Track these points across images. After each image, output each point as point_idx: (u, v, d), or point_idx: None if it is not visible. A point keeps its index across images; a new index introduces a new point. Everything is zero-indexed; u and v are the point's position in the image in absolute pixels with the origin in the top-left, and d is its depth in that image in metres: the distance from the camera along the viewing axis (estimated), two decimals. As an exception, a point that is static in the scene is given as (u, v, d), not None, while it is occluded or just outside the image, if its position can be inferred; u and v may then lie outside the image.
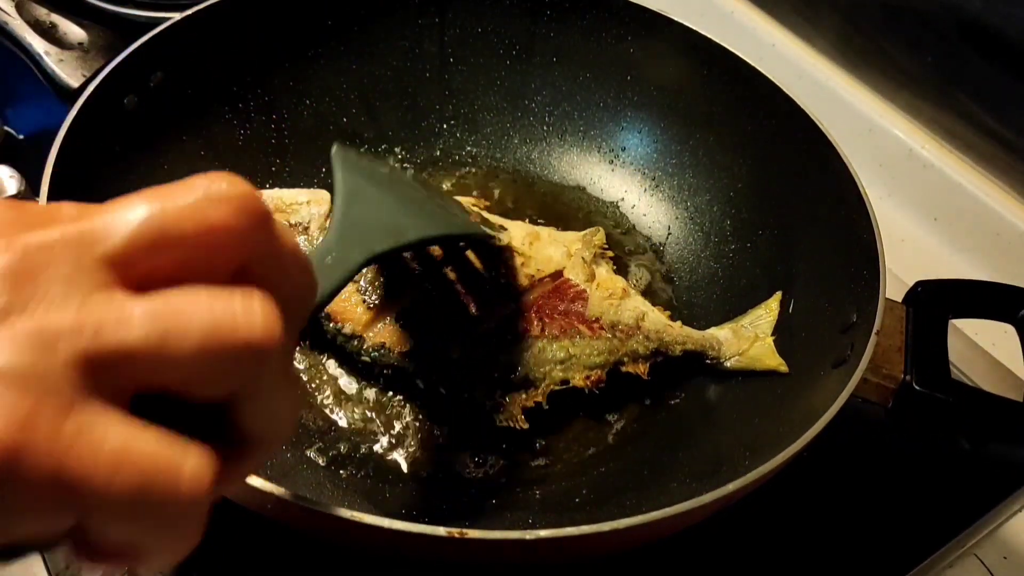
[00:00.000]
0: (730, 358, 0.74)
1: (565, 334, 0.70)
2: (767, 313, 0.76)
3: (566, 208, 0.89)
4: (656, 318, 0.73)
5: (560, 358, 0.69)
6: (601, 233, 0.79)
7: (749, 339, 0.74)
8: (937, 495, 0.75)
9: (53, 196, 0.59)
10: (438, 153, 0.91)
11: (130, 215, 0.29)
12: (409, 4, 0.86)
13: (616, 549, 0.54)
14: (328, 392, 0.71)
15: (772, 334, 0.74)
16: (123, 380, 0.27)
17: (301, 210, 0.74)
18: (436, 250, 0.72)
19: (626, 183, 0.90)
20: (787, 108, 0.78)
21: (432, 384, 0.69)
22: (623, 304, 0.72)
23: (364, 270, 0.68)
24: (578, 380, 0.69)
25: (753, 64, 0.80)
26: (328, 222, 0.54)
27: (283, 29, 0.82)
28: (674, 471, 0.67)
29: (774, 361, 0.73)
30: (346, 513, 0.46)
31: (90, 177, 0.65)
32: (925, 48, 0.92)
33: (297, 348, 0.73)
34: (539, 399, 0.69)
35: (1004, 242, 0.91)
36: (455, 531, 0.46)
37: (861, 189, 0.70)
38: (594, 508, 0.65)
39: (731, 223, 0.83)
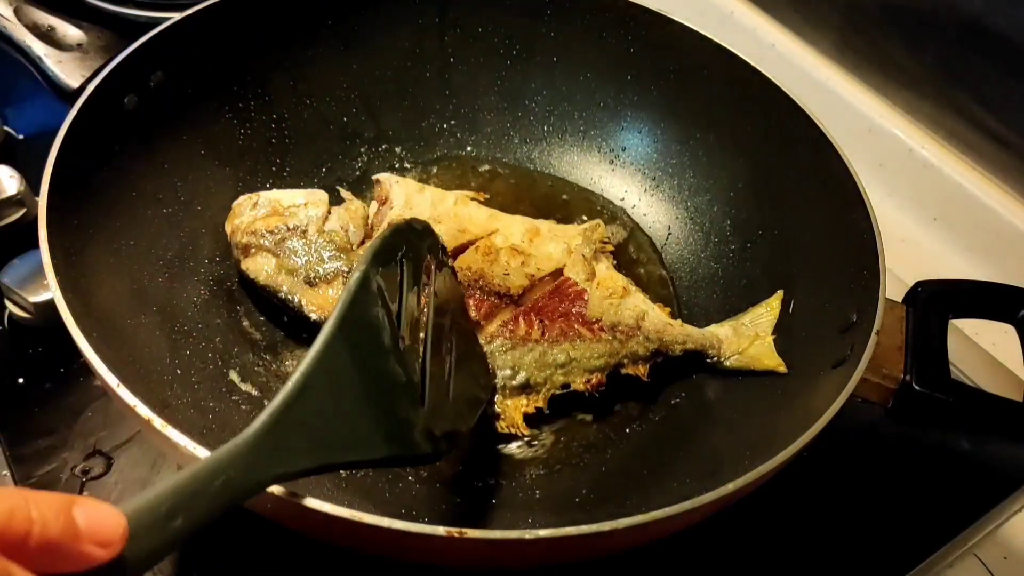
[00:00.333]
0: (730, 357, 0.74)
1: (566, 337, 0.70)
2: (768, 312, 0.76)
3: (566, 208, 0.89)
4: (656, 316, 0.73)
5: (561, 362, 0.69)
6: (601, 227, 0.79)
7: (749, 337, 0.74)
8: (937, 495, 0.75)
9: (53, 196, 0.59)
10: (439, 153, 0.91)
11: None
12: (410, 4, 0.86)
13: (616, 549, 0.54)
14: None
15: (772, 333, 0.74)
16: None
17: (299, 212, 0.73)
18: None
19: (626, 183, 0.90)
20: (787, 108, 0.78)
21: None
22: (624, 303, 0.72)
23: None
24: (578, 384, 0.69)
25: (753, 64, 0.80)
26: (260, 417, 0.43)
27: (283, 29, 0.82)
28: (674, 471, 0.67)
29: (773, 361, 0.73)
30: (346, 513, 0.46)
31: (90, 177, 0.65)
32: (925, 48, 0.92)
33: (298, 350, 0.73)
34: (540, 404, 0.68)
35: (1004, 242, 0.90)
36: (454, 531, 0.46)
37: (861, 188, 0.70)
38: (594, 508, 0.65)
39: (731, 223, 0.83)
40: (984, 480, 0.76)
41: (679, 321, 0.75)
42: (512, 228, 0.76)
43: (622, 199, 0.90)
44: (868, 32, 0.98)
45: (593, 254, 0.76)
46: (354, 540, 0.52)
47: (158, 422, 0.48)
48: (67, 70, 0.75)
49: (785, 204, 0.79)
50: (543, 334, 0.69)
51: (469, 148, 0.91)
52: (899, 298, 0.69)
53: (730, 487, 0.50)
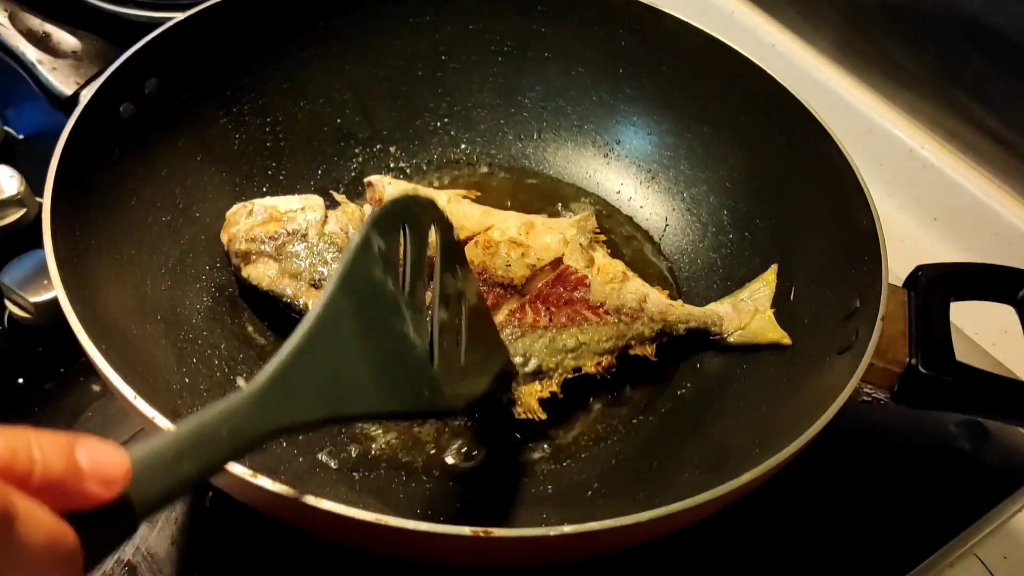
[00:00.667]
0: (732, 333, 0.75)
1: (573, 322, 0.71)
2: (765, 286, 0.77)
3: (562, 202, 0.89)
4: (657, 298, 0.74)
5: (571, 346, 0.70)
6: (593, 217, 0.80)
7: (749, 312, 0.75)
8: (937, 495, 0.76)
9: (56, 205, 0.59)
10: (434, 152, 0.91)
11: None
12: (402, 3, 0.86)
13: (633, 543, 0.54)
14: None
15: (771, 307, 0.75)
16: None
17: (297, 217, 0.73)
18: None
19: (622, 176, 0.90)
20: (781, 97, 0.78)
21: None
22: (624, 287, 0.73)
23: None
24: (590, 367, 0.70)
25: (745, 54, 0.80)
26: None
27: (275, 31, 0.82)
28: (683, 463, 0.67)
29: (776, 333, 0.74)
30: (371, 517, 0.46)
31: (90, 187, 0.65)
32: (925, 48, 0.93)
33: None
34: (553, 389, 0.69)
35: (1004, 242, 0.91)
36: (480, 530, 0.46)
37: (858, 175, 0.70)
38: (606, 502, 0.65)
39: (728, 213, 0.84)
40: (984, 480, 0.77)
41: (680, 301, 0.77)
42: (507, 223, 0.76)
43: (618, 192, 0.90)
44: (868, 32, 0.99)
45: (589, 243, 0.77)
46: (373, 542, 0.52)
47: (177, 432, 0.48)
48: (61, 77, 0.74)
49: (782, 193, 0.80)
50: (551, 320, 0.70)
51: (464, 146, 0.91)
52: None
53: (745, 478, 0.51)
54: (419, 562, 0.56)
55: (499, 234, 0.75)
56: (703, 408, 0.72)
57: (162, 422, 0.49)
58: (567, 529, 0.46)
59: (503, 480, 0.67)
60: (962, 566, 0.73)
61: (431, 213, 0.57)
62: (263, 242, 0.71)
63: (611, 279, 0.73)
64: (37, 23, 0.77)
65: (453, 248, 0.59)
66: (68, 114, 0.64)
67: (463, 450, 0.69)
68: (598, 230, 0.80)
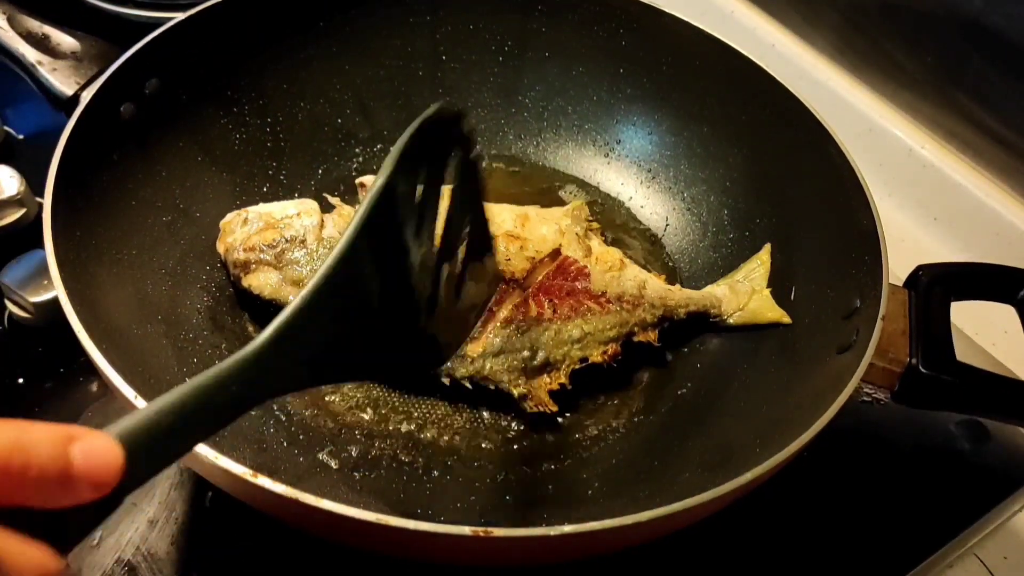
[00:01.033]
0: (732, 314, 0.76)
1: (576, 313, 0.71)
2: (759, 266, 0.78)
3: (563, 203, 0.89)
4: (656, 284, 0.75)
5: (576, 337, 0.70)
6: (585, 206, 0.80)
7: (747, 293, 0.76)
8: (937, 495, 0.76)
9: (56, 206, 0.59)
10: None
11: None
12: (401, 3, 0.86)
13: (635, 542, 0.54)
14: (338, 396, 0.71)
15: (768, 286, 0.76)
16: None
17: (293, 223, 0.73)
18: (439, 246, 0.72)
19: (622, 176, 0.90)
20: (781, 97, 0.78)
21: (456, 381, 0.69)
22: (623, 275, 0.74)
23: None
24: (596, 356, 0.71)
25: (744, 53, 0.80)
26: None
27: (275, 31, 0.82)
28: (684, 462, 0.67)
29: (775, 313, 0.75)
30: (371, 516, 0.46)
31: (91, 189, 0.65)
32: (925, 48, 0.93)
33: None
34: (562, 380, 0.70)
35: (1004, 242, 0.91)
36: (480, 530, 0.46)
37: (858, 174, 0.70)
38: (607, 501, 0.65)
39: (728, 212, 0.84)
40: (984, 480, 0.77)
41: (677, 286, 0.77)
42: (502, 216, 0.77)
43: (619, 192, 0.90)
44: (868, 32, 0.99)
45: (584, 232, 0.77)
46: (373, 542, 0.52)
47: (177, 432, 0.48)
48: (61, 78, 0.74)
49: (782, 192, 0.80)
50: (555, 312, 0.71)
51: (464, 145, 0.91)
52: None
53: (748, 476, 0.51)
54: (419, 562, 0.56)
55: (495, 228, 0.75)
56: (704, 408, 0.72)
57: (162, 422, 0.48)
58: (567, 529, 0.46)
59: (503, 480, 0.67)
60: (962, 566, 0.74)
61: (455, 128, 0.53)
62: (262, 251, 0.71)
63: (610, 267, 0.74)
64: (36, 25, 0.77)
65: (470, 176, 0.56)
66: (68, 114, 0.65)
67: (463, 450, 0.69)
68: (591, 218, 0.81)
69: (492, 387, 0.69)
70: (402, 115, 0.90)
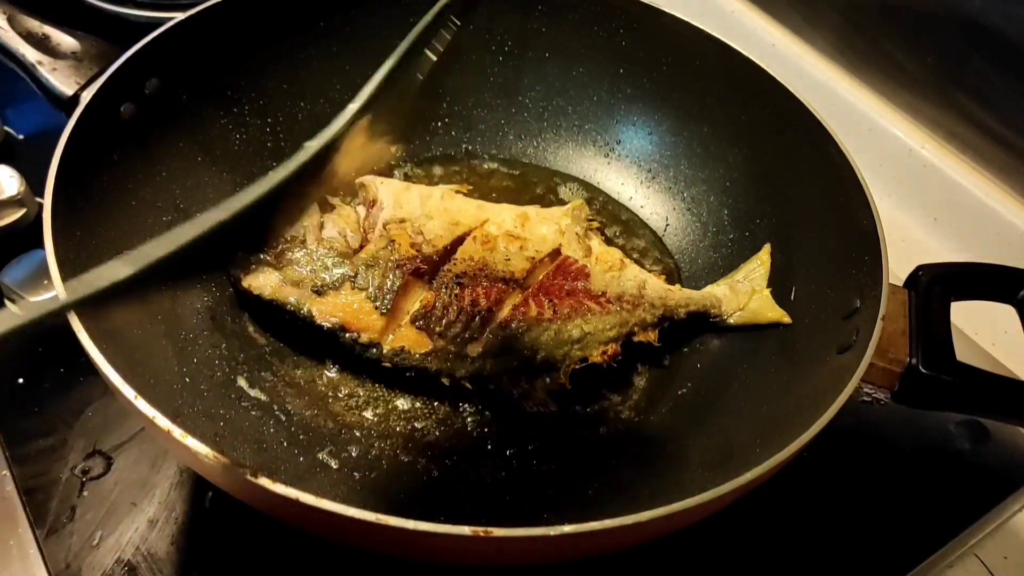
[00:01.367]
0: (732, 314, 0.76)
1: (576, 313, 0.71)
2: (760, 266, 0.78)
3: (563, 203, 0.89)
4: (656, 284, 0.75)
5: (576, 337, 0.71)
6: (585, 206, 0.80)
7: (747, 293, 0.76)
8: (937, 495, 0.76)
9: (56, 206, 0.59)
10: (434, 151, 0.91)
11: None
12: (401, 3, 0.86)
13: (635, 542, 0.54)
14: (339, 396, 0.71)
15: (768, 286, 0.76)
16: None
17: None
18: (440, 245, 0.72)
19: (622, 176, 0.90)
20: (781, 97, 0.78)
21: (457, 381, 0.69)
22: (623, 274, 0.74)
23: (372, 277, 0.69)
24: (596, 356, 0.71)
25: (744, 53, 0.80)
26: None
27: (275, 32, 0.82)
28: (684, 462, 0.67)
29: (775, 313, 0.75)
30: (371, 516, 0.46)
31: (91, 189, 0.65)
32: (925, 48, 0.93)
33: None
34: (562, 380, 0.70)
35: (1004, 242, 0.91)
36: (480, 530, 0.46)
37: (858, 174, 0.70)
38: (608, 501, 0.65)
39: (728, 212, 0.84)
40: (984, 480, 0.77)
41: (678, 286, 0.78)
42: (502, 216, 0.77)
43: (619, 192, 0.90)
44: (868, 32, 0.99)
45: (584, 232, 0.77)
46: (373, 542, 0.52)
47: (178, 432, 0.48)
48: (61, 77, 0.74)
49: (782, 192, 0.80)
50: (555, 312, 0.71)
51: (464, 145, 0.92)
52: (898, 296, 0.70)
53: (748, 476, 0.51)
54: (419, 562, 0.56)
55: (495, 228, 0.75)
56: (704, 408, 0.72)
57: (163, 422, 0.49)
58: (567, 529, 0.46)
59: (504, 480, 0.67)
60: (962, 566, 0.74)
61: None
62: (261, 251, 0.71)
63: (610, 267, 0.75)
64: (36, 25, 0.77)
65: None
66: (68, 114, 0.64)
67: (463, 450, 0.69)
68: (591, 217, 0.81)
69: (492, 387, 0.69)
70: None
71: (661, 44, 0.86)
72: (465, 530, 0.46)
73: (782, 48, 1.07)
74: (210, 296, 0.73)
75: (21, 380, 0.73)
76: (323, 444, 0.67)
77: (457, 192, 0.80)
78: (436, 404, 0.71)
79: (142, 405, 0.49)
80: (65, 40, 0.77)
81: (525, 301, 0.71)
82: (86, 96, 0.66)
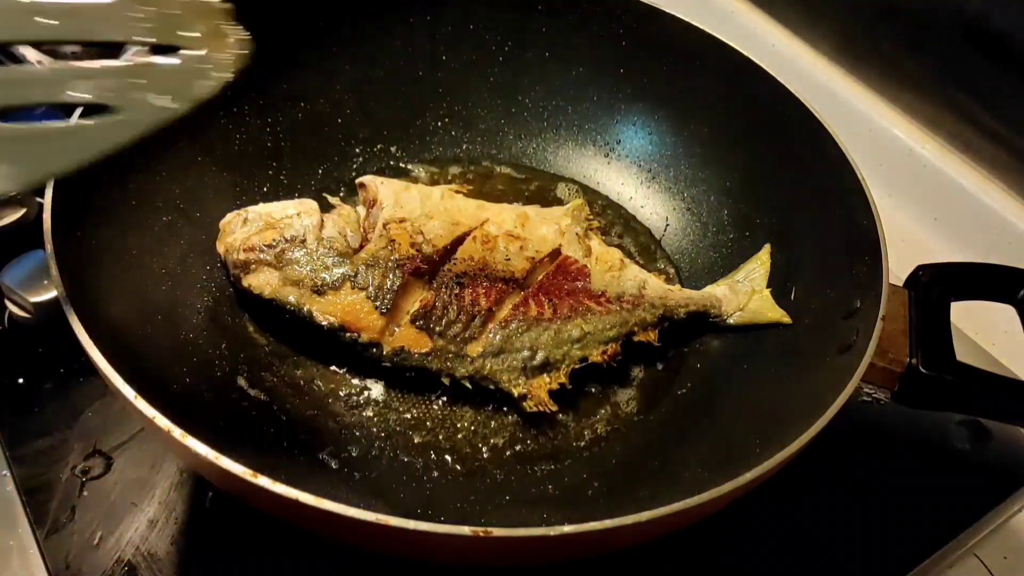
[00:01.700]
0: (732, 314, 0.77)
1: (576, 313, 0.71)
2: (760, 266, 0.78)
3: (563, 203, 0.89)
4: (656, 284, 0.76)
5: (576, 337, 0.71)
6: (585, 206, 0.80)
7: (747, 294, 0.77)
8: (937, 495, 0.76)
9: (56, 205, 0.59)
10: (434, 151, 0.91)
11: None
12: (400, 3, 0.86)
13: (635, 541, 0.54)
14: (339, 396, 0.71)
15: (768, 287, 0.77)
16: None
17: (294, 223, 0.73)
18: (440, 245, 0.72)
19: (622, 176, 0.90)
20: (781, 97, 0.78)
21: (457, 381, 0.69)
22: (623, 274, 0.75)
23: (372, 277, 0.69)
24: (595, 356, 0.71)
25: (745, 53, 0.80)
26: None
27: (274, 32, 0.81)
28: (684, 462, 0.67)
29: (775, 313, 0.75)
30: (371, 516, 0.46)
31: (91, 189, 0.65)
32: (925, 48, 0.93)
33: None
34: (562, 380, 0.70)
35: (1004, 242, 0.92)
36: (480, 530, 0.46)
37: (858, 174, 0.70)
38: (608, 501, 0.65)
39: (728, 212, 0.84)
40: (984, 480, 0.77)
41: (678, 286, 0.78)
42: (502, 216, 0.77)
43: (619, 192, 0.90)
44: (868, 32, 0.99)
45: (584, 232, 0.77)
46: (373, 542, 0.52)
47: (178, 432, 0.48)
48: (61, 79, 0.74)
49: (782, 193, 0.80)
50: (555, 312, 0.71)
51: (464, 145, 0.92)
52: (898, 296, 0.70)
53: (748, 476, 0.51)
54: (419, 562, 0.56)
55: (495, 228, 0.75)
56: (704, 408, 0.72)
57: (163, 422, 0.49)
58: (567, 529, 0.46)
59: (503, 480, 0.67)
60: (962, 566, 0.74)
61: None
62: (261, 251, 0.71)
63: (610, 267, 0.75)
64: (37, 24, 0.77)
65: None
66: (68, 115, 0.64)
67: (463, 450, 0.69)
68: (591, 217, 0.81)
69: (492, 387, 0.69)
70: (402, 115, 0.90)
71: (661, 44, 0.86)
72: (465, 530, 0.46)
73: (782, 48, 1.07)
74: (210, 296, 0.73)
75: (21, 380, 0.73)
76: (323, 444, 0.67)
77: (457, 192, 0.80)
78: (436, 404, 0.71)
79: (142, 405, 0.49)
80: (65, 40, 0.77)
81: (525, 301, 0.71)
82: (86, 96, 0.65)
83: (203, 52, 0.55)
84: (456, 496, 0.66)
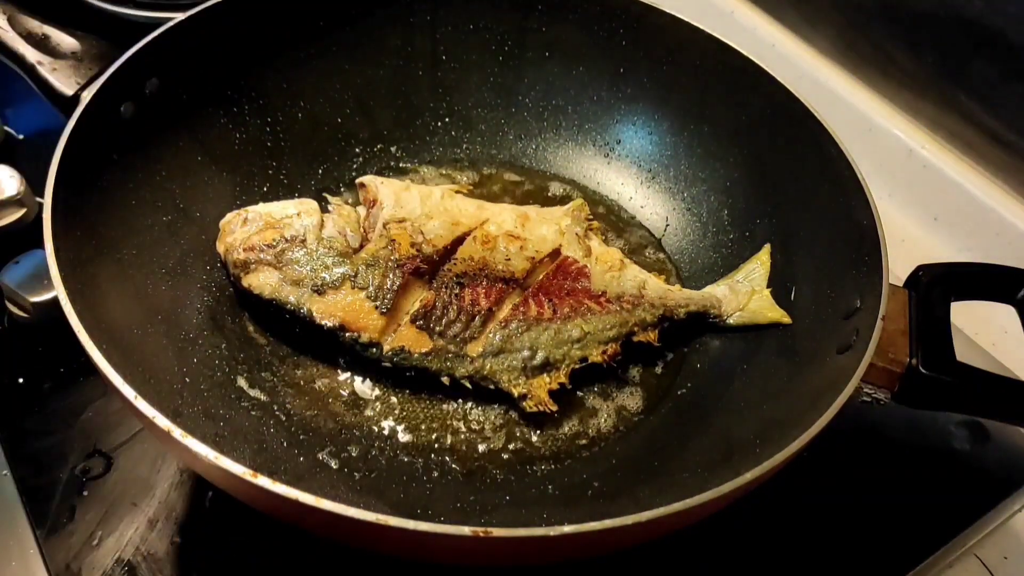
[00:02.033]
0: (732, 314, 0.77)
1: (576, 313, 0.72)
2: (759, 266, 0.78)
3: (563, 203, 0.89)
4: (656, 284, 0.76)
5: (576, 337, 0.71)
6: (585, 205, 0.80)
7: (747, 294, 0.77)
8: (937, 495, 0.76)
9: (56, 205, 0.59)
10: (434, 151, 0.91)
11: None
12: (401, 3, 0.86)
13: (636, 541, 0.54)
14: (339, 396, 0.71)
15: (767, 287, 0.77)
16: None
17: (294, 223, 0.73)
18: (440, 245, 0.72)
19: (622, 176, 0.90)
20: (781, 97, 0.78)
21: (457, 380, 0.69)
22: (623, 274, 0.75)
23: (371, 277, 0.69)
24: (595, 356, 0.71)
25: (745, 53, 0.80)
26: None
27: (275, 31, 0.82)
28: (684, 462, 0.67)
29: (775, 313, 0.75)
30: (371, 516, 0.46)
31: (91, 188, 0.65)
32: (925, 48, 0.93)
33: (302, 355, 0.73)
34: (562, 380, 0.70)
35: (1004, 242, 0.91)
36: (479, 530, 0.46)
37: (858, 175, 0.70)
38: (608, 501, 0.65)
39: (728, 213, 0.84)
40: (984, 480, 0.77)
41: (678, 286, 0.78)
42: (502, 216, 0.77)
43: (619, 192, 0.90)
44: (868, 32, 0.99)
45: (584, 232, 0.77)
46: (373, 542, 0.52)
47: (178, 432, 0.48)
48: (61, 77, 0.74)
49: (782, 192, 0.80)
50: (555, 312, 0.71)
51: (464, 145, 0.92)
52: (899, 296, 0.70)
53: (748, 476, 0.51)
54: (419, 562, 0.56)
55: (495, 228, 0.75)
56: (703, 408, 0.72)
57: (162, 422, 0.49)
58: (567, 529, 0.46)
59: (503, 480, 0.67)
60: (962, 566, 0.74)
61: None
62: (261, 250, 0.71)
63: (610, 267, 0.75)
64: (36, 25, 0.77)
65: None
66: (68, 114, 0.65)
67: (463, 450, 0.69)
68: (591, 216, 0.81)
69: (492, 387, 0.69)
70: (402, 115, 0.90)
71: (661, 44, 0.86)
72: (465, 530, 0.46)
73: (782, 48, 1.07)
74: (210, 296, 0.73)
75: (21, 380, 0.73)
76: (323, 444, 0.67)
77: (457, 192, 0.80)
78: (436, 404, 0.71)
79: (142, 405, 0.49)
80: (65, 40, 0.77)
81: (525, 301, 0.71)
82: (86, 96, 0.66)
83: None
84: (456, 496, 0.66)
